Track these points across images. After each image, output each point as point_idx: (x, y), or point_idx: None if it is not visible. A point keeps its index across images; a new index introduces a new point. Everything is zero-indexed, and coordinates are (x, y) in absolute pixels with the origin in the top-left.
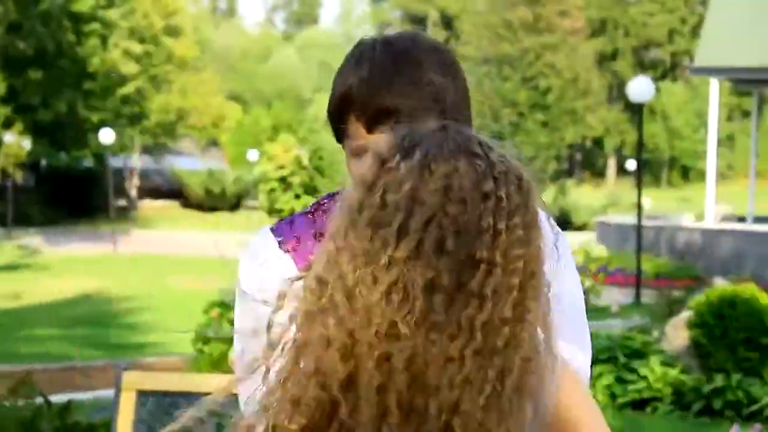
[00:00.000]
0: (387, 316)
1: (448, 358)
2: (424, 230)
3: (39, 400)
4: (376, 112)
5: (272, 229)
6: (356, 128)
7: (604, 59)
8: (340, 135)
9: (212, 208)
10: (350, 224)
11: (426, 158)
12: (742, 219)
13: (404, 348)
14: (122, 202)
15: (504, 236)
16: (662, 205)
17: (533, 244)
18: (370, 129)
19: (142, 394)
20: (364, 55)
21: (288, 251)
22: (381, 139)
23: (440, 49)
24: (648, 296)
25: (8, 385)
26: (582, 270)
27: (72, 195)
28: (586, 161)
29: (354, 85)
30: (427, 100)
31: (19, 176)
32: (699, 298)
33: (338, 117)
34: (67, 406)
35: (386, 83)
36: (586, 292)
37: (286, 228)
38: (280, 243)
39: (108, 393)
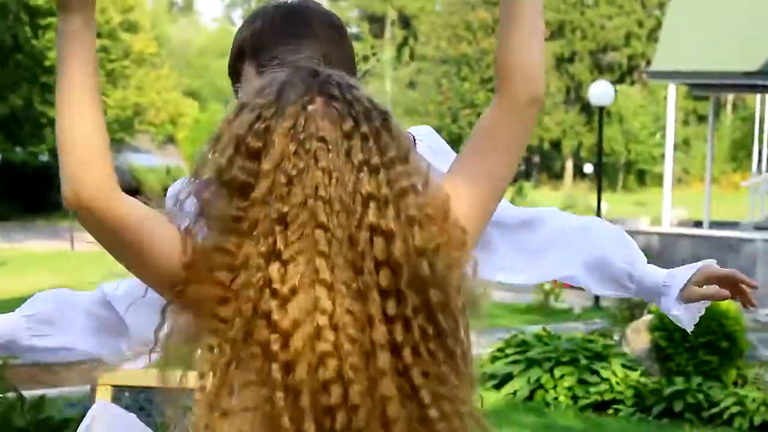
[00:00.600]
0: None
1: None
2: (274, 171)
3: (11, 395)
4: (265, 59)
5: None
6: (248, 73)
7: (562, 62)
8: (236, 85)
9: None
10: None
11: (279, 101)
12: (698, 224)
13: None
14: None
15: (383, 171)
16: (618, 208)
17: (416, 174)
18: (259, 73)
19: (118, 390)
20: (258, 14)
21: None
22: (250, 85)
23: (329, 14)
24: (607, 300)
25: None
26: None
27: (28, 190)
28: (543, 163)
29: (247, 37)
30: (312, 53)
31: None
32: None
33: (234, 69)
34: (41, 401)
35: (274, 35)
36: (546, 295)
37: None
38: None
39: (76, 389)
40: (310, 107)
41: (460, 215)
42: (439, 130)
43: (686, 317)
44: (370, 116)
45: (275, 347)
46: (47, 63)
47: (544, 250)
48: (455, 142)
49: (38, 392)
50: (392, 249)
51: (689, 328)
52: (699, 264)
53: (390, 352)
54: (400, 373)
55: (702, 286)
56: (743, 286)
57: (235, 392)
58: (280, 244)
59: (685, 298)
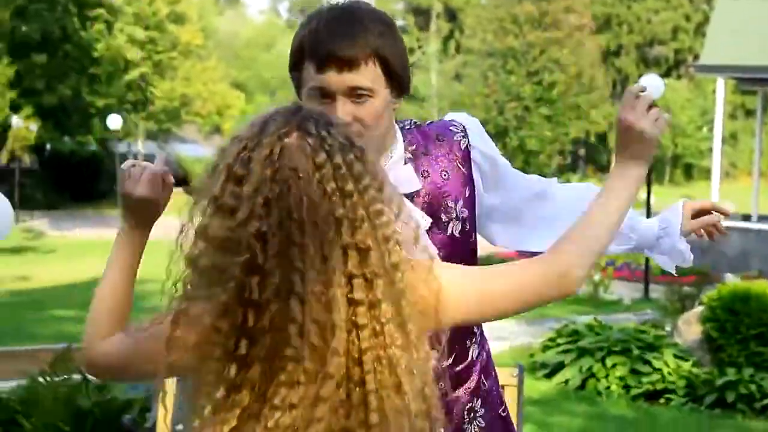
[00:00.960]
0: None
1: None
2: (254, 194)
3: (76, 377)
4: (323, 56)
5: None
6: (308, 72)
7: (608, 55)
8: (299, 87)
9: None
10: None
11: (261, 134)
12: (746, 217)
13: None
14: None
15: (357, 196)
16: (665, 202)
17: (390, 200)
18: (319, 69)
19: None
20: (313, 16)
21: None
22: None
23: (379, 12)
24: (656, 292)
25: (46, 360)
26: None
27: (76, 179)
28: (589, 156)
29: (305, 38)
30: (366, 50)
31: (27, 160)
32: (711, 293)
33: (295, 69)
34: (104, 385)
35: (330, 34)
36: (595, 286)
37: None
38: None
39: None
40: (286, 140)
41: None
42: (485, 123)
43: (687, 254)
44: (344, 149)
45: (242, 350)
46: (95, 54)
47: (557, 216)
48: (501, 134)
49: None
50: (368, 262)
51: (688, 263)
52: (679, 203)
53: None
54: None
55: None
56: (717, 213)
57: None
58: (259, 259)
59: (684, 233)
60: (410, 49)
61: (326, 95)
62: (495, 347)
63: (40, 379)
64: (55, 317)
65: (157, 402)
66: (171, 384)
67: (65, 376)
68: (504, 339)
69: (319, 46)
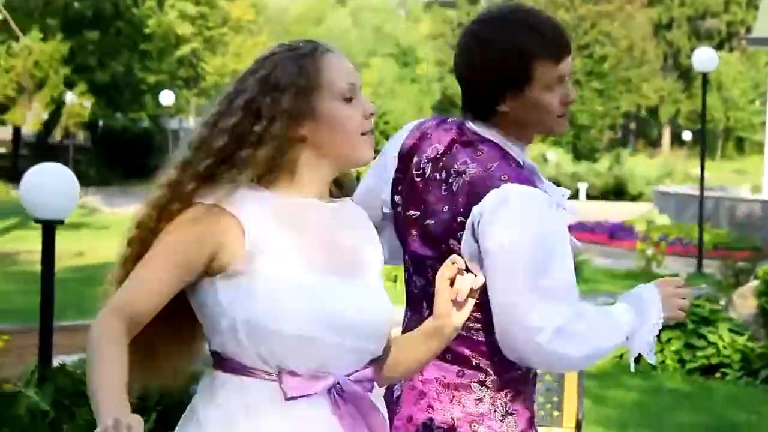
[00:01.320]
0: None
1: None
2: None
3: None
4: (562, 47)
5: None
6: (545, 68)
7: (660, 28)
8: (520, 86)
9: None
10: None
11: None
12: None
13: None
14: None
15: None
16: (718, 176)
17: None
18: (559, 60)
19: None
20: (526, 21)
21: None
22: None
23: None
24: (709, 267)
25: None
26: (643, 239)
27: (128, 156)
28: (640, 131)
29: (535, 41)
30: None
31: (81, 136)
32: (766, 267)
33: (521, 72)
34: None
35: (555, 28)
36: (648, 261)
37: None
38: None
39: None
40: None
41: None
42: None
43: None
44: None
45: None
46: (147, 30)
47: None
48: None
49: None
50: None
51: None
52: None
53: None
54: None
55: None
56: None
57: None
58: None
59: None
60: (461, 23)
61: (563, 80)
62: None
63: None
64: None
65: None
66: None
67: None
68: None
69: (556, 42)
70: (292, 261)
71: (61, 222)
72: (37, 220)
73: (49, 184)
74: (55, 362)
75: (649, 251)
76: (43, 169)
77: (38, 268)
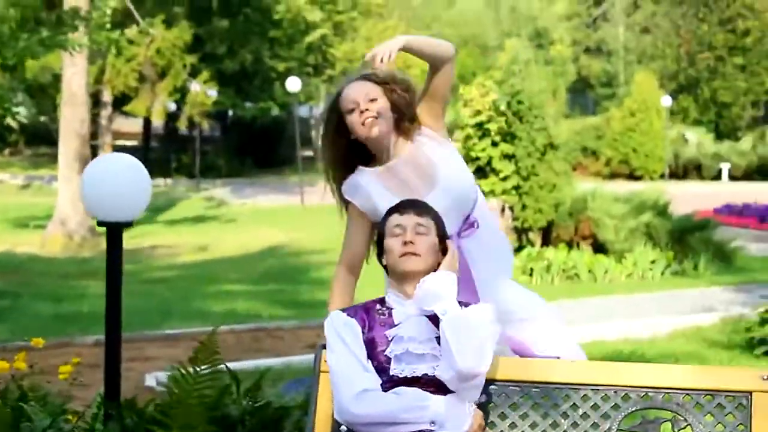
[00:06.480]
0: None
1: None
2: None
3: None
4: None
5: None
6: None
7: None
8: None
9: None
10: None
11: None
12: None
13: None
14: (309, 153)
15: None
16: None
17: None
18: None
19: None
20: None
21: None
22: None
23: None
24: None
25: (192, 348)
26: None
27: (258, 146)
28: None
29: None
30: None
31: (205, 126)
32: None
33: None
34: (258, 384)
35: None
36: None
37: None
38: None
39: (300, 359)
40: None
41: None
42: (674, 76)
43: None
44: None
45: None
46: (275, 16)
47: None
48: (692, 86)
49: (253, 363)
50: None
51: None
52: None
53: None
54: None
55: None
56: None
57: None
58: None
59: None
60: (596, 2)
61: None
62: (702, 319)
63: (182, 373)
64: (227, 292)
65: (313, 403)
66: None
67: (208, 369)
68: (712, 309)
69: None
70: None
71: (130, 224)
72: (100, 223)
73: (113, 178)
74: (148, 379)
75: None
76: (107, 161)
77: (155, 264)
